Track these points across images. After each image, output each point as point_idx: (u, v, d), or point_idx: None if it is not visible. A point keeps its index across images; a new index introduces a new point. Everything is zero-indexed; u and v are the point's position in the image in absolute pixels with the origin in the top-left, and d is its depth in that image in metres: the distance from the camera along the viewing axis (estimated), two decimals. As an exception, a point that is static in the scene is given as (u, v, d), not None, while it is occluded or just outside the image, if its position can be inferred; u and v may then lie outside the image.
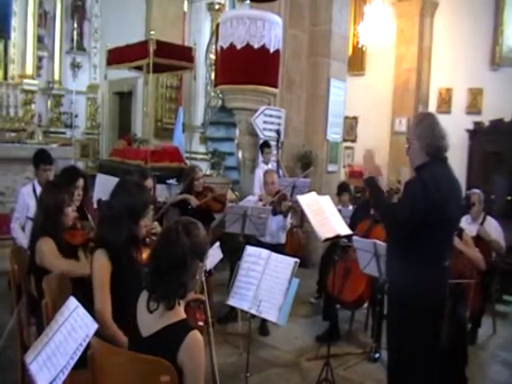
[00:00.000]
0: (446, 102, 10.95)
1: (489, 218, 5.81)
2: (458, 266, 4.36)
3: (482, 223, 5.73)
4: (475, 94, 10.57)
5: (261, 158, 7.47)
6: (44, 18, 12.23)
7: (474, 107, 10.57)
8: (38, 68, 11.94)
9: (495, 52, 10.39)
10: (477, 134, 9.98)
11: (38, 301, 3.10)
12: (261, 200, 5.75)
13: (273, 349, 4.86)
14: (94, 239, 3.42)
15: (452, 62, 10.80)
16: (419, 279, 2.95)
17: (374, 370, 4.56)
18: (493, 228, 5.74)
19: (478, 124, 10.08)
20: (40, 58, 12.08)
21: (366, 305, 5.28)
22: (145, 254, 3.05)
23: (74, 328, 2.18)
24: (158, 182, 5.58)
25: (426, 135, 3.07)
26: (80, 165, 10.58)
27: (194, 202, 5.68)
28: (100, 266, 2.75)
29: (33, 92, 11.01)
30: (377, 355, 4.74)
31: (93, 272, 2.78)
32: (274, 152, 7.45)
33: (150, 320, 2.16)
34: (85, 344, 2.08)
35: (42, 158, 4.96)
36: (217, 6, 11.33)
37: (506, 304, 6.85)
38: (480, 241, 5.44)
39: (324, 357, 4.16)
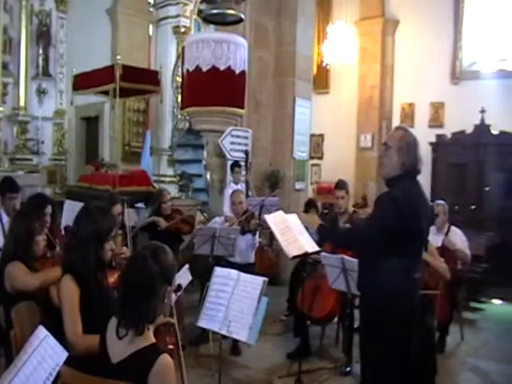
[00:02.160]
0: (409, 117, 11.21)
1: (453, 228, 5.94)
2: (424, 276, 4.46)
3: (446, 233, 5.85)
4: (437, 108, 10.85)
5: (230, 178, 7.54)
6: (9, 45, 12.11)
7: (436, 121, 10.84)
8: (3, 95, 11.83)
9: (455, 66, 10.70)
10: (440, 146, 10.20)
11: (6, 331, 3.08)
12: (227, 221, 5.82)
13: (245, 368, 4.88)
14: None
15: (414, 77, 11.08)
16: (391, 291, 3.03)
17: (345, 383, 4.62)
18: (458, 237, 5.86)
19: (440, 137, 10.30)
20: (5, 85, 11.96)
21: (335, 320, 5.34)
22: (111, 277, 3.07)
23: (43, 357, 2.19)
24: (126, 206, 5.60)
25: (409, 154, 3.14)
26: (47, 191, 10.46)
27: (163, 223, 5.73)
28: (68, 291, 2.76)
29: (-2, 119, 10.91)
30: (348, 369, 4.80)
31: (61, 297, 2.79)
32: (243, 172, 7.53)
33: (119, 346, 2.18)
34: (55, 373, 2.10)
35: (7, 186, 4.91)
36: (182, 29, 11.39)
37: (473, 311, 7.02)
38: (445, 251, 5.56)
39: (296, 373, 4.22)
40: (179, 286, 3.02)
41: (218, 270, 3.58)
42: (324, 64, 11.56)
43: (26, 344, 2.32)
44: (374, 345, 3.18)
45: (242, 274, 3.48)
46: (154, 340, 2.24)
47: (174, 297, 3.00)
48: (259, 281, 3.38)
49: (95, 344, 2.40)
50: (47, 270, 3.39)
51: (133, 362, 2.14)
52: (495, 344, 5.90)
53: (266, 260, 6.76)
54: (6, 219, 4.63)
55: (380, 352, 3.14)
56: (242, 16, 6.56)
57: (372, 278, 3.16)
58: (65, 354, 2.14)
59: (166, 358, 2.13)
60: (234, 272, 3.52)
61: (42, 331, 2.30)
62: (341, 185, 5.52)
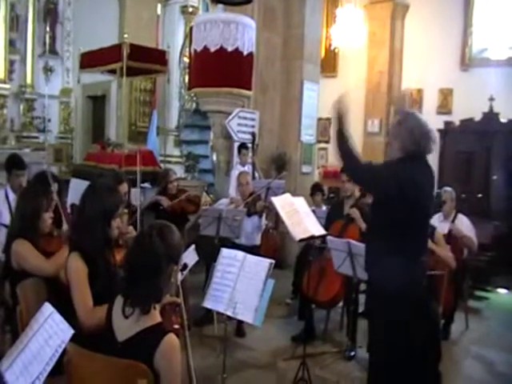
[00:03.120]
0: (417, 103, 11.10)
1: (460, 216, 5.91)
2: (430, 262, 4.45)
3: (453, 221, 5.83)
4: (446, 95, 10.75)
5: (237, 160, 7.51)
6: (16, 22, 12.05)
7: (444, 107, 10.75)
8: (10, 72, 11.78)
9: (465, 53, 10.59)
10: (448, 133, 10.11)
11: (12, 307, 3.07)
12: (232, 203, 5.79)
13: (249, 350, 4.90)
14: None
15: (423, 63, 10.96)
16: (398, 273, 3.01)
17: (349, 368, 4.62)
18: (464, 225, 5.84)
19: (448, 124, 10.23)
20: (12, 62, 11.91)
21: (340, 304, 5.34)
22: (118, 255, 3.06)
23: (49, 334, 2.17)
24: (132, 185, 5.57)
25: (410, 138, 3.12)
26: (53, 169, 10.45)
27: (165, 202, 5.72)
28: (76, 269, 2.74)
29: (5, 96, 10.87)
30: (352, 353, 4.80)
31: (69, 276, 2.77)
32: (250, 154, 7.50)
33: (125, 325, 2.17)
34: (60, 350, 2.08)
35: (14, 163, 4.88)
36: (190, 9, 11.31)
37: (478, 300, 7.00)
38: (451, 238, 5.55)
39: (300, 356, 4.20)
40: (185, 265, 3.00)
41: (225, 251, 3.55)
42: (332, 47, 11.44)
43: (32, 321, 2.31)
44: (380, 328, 3.19)
45: (248, 256, 3.45)
46: (160, 319, 2.23)
47: (180, 276, 2.98)
48: (266, 263, 3.35)
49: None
50: (57, 255, 3.35)
51: (139, 341, 2.13)
52: (499, 333, 5.89)
53: (272, 243, 6.74)
54: (12, 196, 4.60)
55: (385, 335, 3.14)
56: (251, -4, 6.48)
57: (379, 262, 3.15)
58: (70, 331, 2.12)
59: (172, 338, 2.12)
60: (240, 253, 3.48)
61: (47, 308, 2.29)
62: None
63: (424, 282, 3.23)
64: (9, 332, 3.27)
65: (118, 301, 2.24)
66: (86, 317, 2.61)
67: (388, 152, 3.33)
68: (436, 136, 3.22)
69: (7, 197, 4.74)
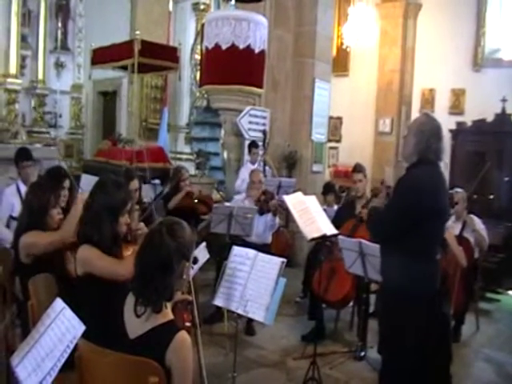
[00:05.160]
0: (428, 103, 11.03)
1: (472, 216, 5.88)
2: (442, 263, 4.41)
3: (464, 221, 5.79)
4: (458, 95, 10.66)
5: (247, 158, 7.49)
6: (28, 17, 12.06)
7: (456, 108, 10.66)
8: (22, 67, 11.76)
9: (477, 53, 10.49)
10: (460, 134, 10.05)
11: (23, 302, 3.07)
12: (249, 196, 5.67)
13: (259, 349, 4.88)
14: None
15: (435, 62, 10.88)
16: (413, 272, 3.00)
17: (359, 368, 4.60)
18: (476, 226, 5.81)
19: (460, 124, 10.15)
20: (23, 58, 11.91)
21: (351, 304, 5.31)
22: (126, 251, 3.04)
23: (60, 330, 2.16)
24: (143, 182, 5.58)
25: (422, 141, 3.12)
26: (64, 165, 10.48)
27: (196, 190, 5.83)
28: (94, 252, 2.76)
29: (16, 91, 10.84)
30: (362, 354, 4.77)
31: (89, 262, 2.77)
32: (260, 152, 7.47)
33: (137, 322, 2.16)
34: (72, 346, 2.07)
35: (21, 155, 4.98)
36: (202, 6, 11.31)
37: (489, 302, 6.96)
38: (462, 240, 5.52)
39: (310, 356, 4.18)
40: (195, 259, 2.98)
41: (236, 249, 3.53)
42: (344, 46, 11.39)
43: (43, 316, 2.30)
44: (393, 329, 3.16)
45: (260, 254, 3.43)
46: (171, 317, 2.22)
47: (191, 271, 2.96)
48: (277, 261, 3.33)
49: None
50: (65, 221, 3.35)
51: (150, 338, 2.12)
52: (510, 335, 5.84)
53: (282, 241, 6.70)
54: (24, 189, 4.63)
55: (397, 336, 3.12)
56: (263, -6, 6.46)
57: (394, 260, 3.13)
58: (82, 327, 2.11)
59: (184, 335, 2.11)
60: (251, 251, 3.46)
61: (59, 303, 2.27)
62: (358, 168, 5.49)
63: (439, 281, 3.21)
64: (19, 326, 3.27)
65: (130, 299, 2.22)
66: (127, 272, 2.53)
67: (404, 148, 3.31)
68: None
69: (19, 190, 4.79)
